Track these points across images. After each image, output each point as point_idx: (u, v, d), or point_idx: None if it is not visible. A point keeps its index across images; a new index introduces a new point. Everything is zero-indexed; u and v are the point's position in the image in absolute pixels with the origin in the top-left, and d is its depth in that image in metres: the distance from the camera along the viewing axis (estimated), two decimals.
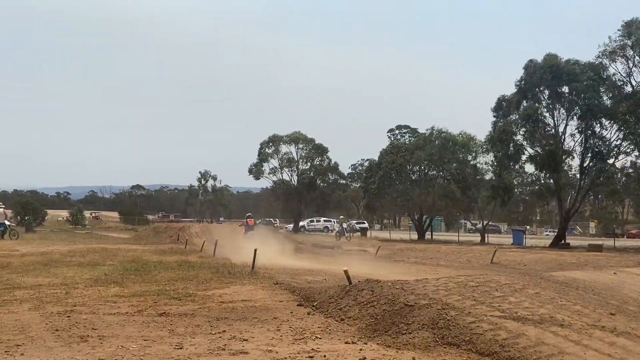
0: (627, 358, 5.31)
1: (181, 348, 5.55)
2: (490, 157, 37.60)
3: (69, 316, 7.18)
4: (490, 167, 38.57)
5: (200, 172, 77.50)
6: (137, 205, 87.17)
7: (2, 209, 27.01)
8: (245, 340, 5.95)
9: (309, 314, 7.64)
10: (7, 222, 26.99)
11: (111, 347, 5.58)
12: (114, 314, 7.45)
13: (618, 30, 29.67)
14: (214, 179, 77.02)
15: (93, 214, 72.58)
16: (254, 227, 26.27)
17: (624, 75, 30.22)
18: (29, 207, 40.54)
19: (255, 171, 56.63)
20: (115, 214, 77.94)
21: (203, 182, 77.12)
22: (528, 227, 64.91)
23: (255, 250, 13.42)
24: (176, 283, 10.76)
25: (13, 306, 7.99)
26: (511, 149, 33.20)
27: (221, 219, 78.50)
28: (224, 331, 6.42)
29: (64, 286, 10.18)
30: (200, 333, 6.34)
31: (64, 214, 61.75)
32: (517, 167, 35.47)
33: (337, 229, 39.70)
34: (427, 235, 42.32)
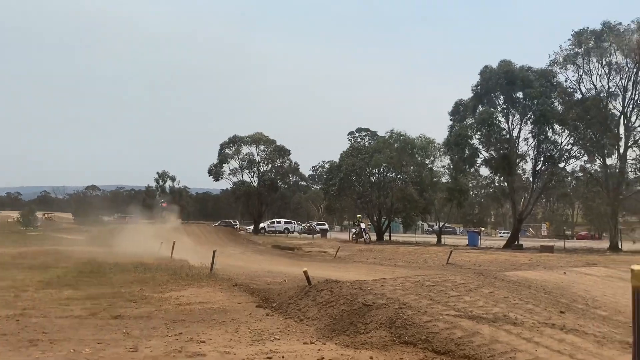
0: (576, 354, 5.50)
1: (136, 351, 5.44)
2: (447, 161, 38.42)
3: (18, 320, 6.92)
4: (447, 170, 39.39)
5: (158, 172, 76.00)
6: (92, 206, 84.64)
7: None
8: (203, 342, 5.88)
9: (267, 315, 7.62)
10: None
11: (62, 351, 5.41)
12: (67, 317, 7.23)
13: (569, 39, 30.86)
14: (172, 179, 75.72)
15: (46, 215, 70.09)
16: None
17: (574, 82, 31.46)
18: None
19: (215, 172, 55.99)
20: (69, 215, 75.47)
21: (161, 182, 75.65)
22: (483, 228, 66.50)
23: (214, 251, 13.28)
24: (132, 285, 10.53)
25: None
26: (467, 152, 33.99)
27: (179, 220, 77.15)
28: (181, 333, 6.32)
29: (12, 289, 9.82)
30: (156, 335, 6.22)
31: (15, 214, 59.42)
32: (472, 170, 36.33)
33: (354, 230, 38.18)
34: (386, 237, 42.81)
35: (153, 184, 76.36)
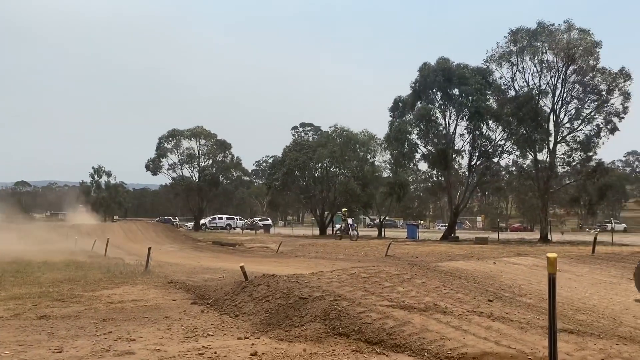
0: (501, 340, 5.73)
1: (60, 352, 5.22)
2: (387, 156, 39.13)
3: None
4: (387, 165, 40.13)
5: (93, 167, 73.20)
6: (21, 203, 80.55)
7: None
8: (133, 340, 5.71)
9: (202, 311, 7.51)
10: None
11: None
12: None
13: (505, 37, 32.06)
14: (108, 175, 73.16)
15: None
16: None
17: (508, 79, 32.73)
18: None
19: (153, 167, 54.58)
20: None
21: (96, 178, 72.94)
22: (422, 221, 68.36)
23: (150, 248, 12.95)
24: (61, 284, 10.10)
25: None
26: (406, 147, 34.74)
27: (116, 217, 74.84)
28: (110, 332, 6.12)
29: None
30: (84, 335, 6.00)
31: None
32: (411, 165, 37.17)
33: (339, 225, 35.48)
34: (329, 231, 43.15)
35: (88, 180, 73.50)
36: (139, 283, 10.29)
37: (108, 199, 72.08)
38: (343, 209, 34.14)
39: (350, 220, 31.74)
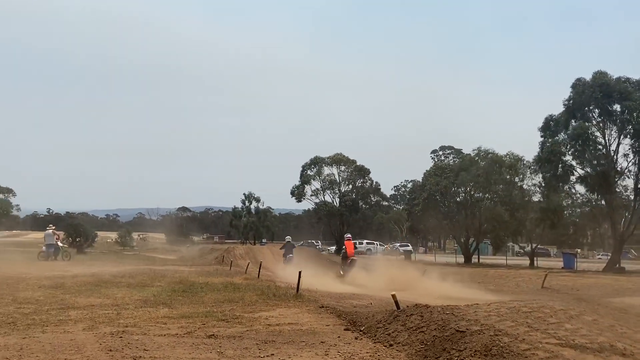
0: None
1: None
2: (538, 179, 36.65)
3: (121, 337, 7.33)
4: (538, 189, 37.56)
5: (244, 194, 78.49)
6: (183, 227, 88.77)
7: (51, 230, 28.03)
8: None
9: (356, 338, 7.55)
10: (59, 244, 27.99)
11: None
12: (164, 335, 7.56)
13: None
14: (257, 200, 77.88)
15: (140, 236, 74.35)
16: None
17: None
18: (80, 229, 41.77)
19: (297, 193, 56.98)
20: (162, 236, 79.44)
21: (247, 203, 78.07)
22: (579, 250, 62.45)
23: (300, 272, 13.42)
24: (223, 305, 10.84)
25: (68, 326, 8.22)
26: (560, 169, 32.28)
27: (264, 240, 79.07)
28: (272, 354, 6.40)
29: (115, 307, 10.43)
30: (249, 356, 6.34)
31: (113, 235, 63.55)
32: (566, 188, 34.38)
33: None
34: (474, 259, 41.30)
35: (239, 205, 78.87)
36: (292, 306, 10.68)
37: (257, 223, 76.48)
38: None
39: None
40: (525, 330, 6.68)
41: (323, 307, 10.46)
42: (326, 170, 57.45)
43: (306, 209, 68.41)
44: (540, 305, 8.18)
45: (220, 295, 12.46)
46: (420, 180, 45.65)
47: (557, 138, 32.96)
